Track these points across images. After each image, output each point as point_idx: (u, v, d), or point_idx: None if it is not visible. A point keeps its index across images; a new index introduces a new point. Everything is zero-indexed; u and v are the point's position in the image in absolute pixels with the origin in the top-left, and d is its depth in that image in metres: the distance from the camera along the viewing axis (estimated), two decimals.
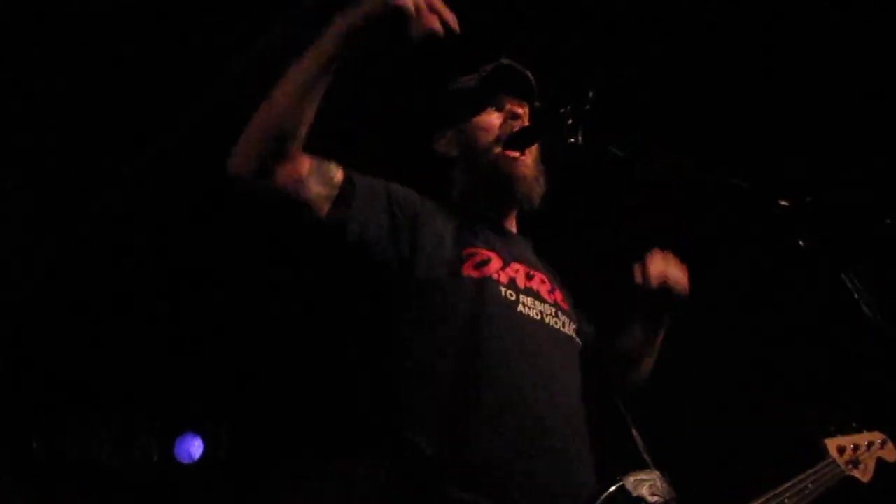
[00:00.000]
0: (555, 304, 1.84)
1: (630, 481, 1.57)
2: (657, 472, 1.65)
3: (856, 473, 2.34)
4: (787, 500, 2.06)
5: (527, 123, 1.89)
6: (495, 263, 1.77)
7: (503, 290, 1.73)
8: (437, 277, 1.69)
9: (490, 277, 1.72)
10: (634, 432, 1.85)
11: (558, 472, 1.57)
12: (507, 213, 1.96)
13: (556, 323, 1.80)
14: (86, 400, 4.69)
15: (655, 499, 1.61)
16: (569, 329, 1.83)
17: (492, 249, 1.80)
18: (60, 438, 4.65)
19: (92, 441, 4.74)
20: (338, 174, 1.65)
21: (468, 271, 1.72)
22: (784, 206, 1.53)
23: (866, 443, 2.42)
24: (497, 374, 1.60)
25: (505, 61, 1.95)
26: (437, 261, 1.71)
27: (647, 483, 1.60)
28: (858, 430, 2.44)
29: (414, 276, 1.68)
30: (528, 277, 1.83)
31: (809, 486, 2.17)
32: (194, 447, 4.86)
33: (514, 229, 1.98)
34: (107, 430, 4.78)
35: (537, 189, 1.90)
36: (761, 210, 1.54)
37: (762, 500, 2.05)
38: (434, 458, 1.51)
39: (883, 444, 2.45)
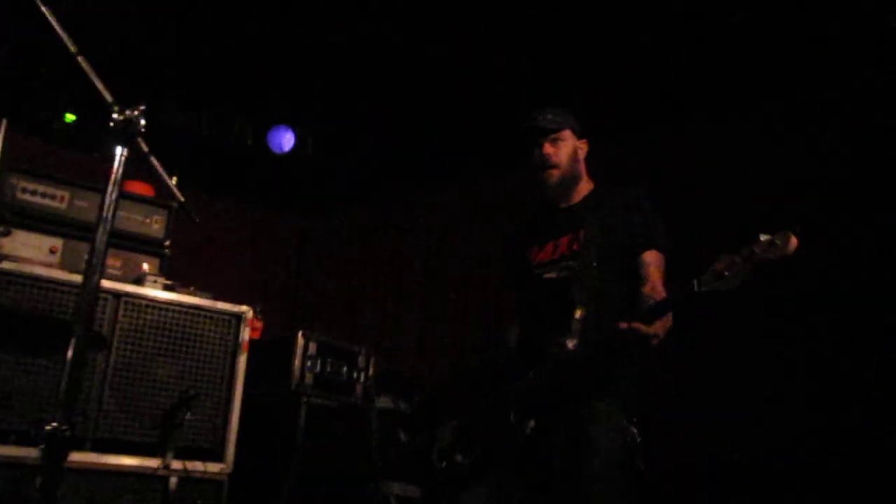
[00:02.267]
0: (556, 259, 2.82)
1: None
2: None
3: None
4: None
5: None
6: (536, 252, 2.87)
7: (535, 270, 2.84)
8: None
9: (533, 264, 2.86)
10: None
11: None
12: (559, 203, 2.91)
13: (549, 274, 2.80)
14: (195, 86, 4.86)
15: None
16: (560, 272, 2.78)
17: (539, 242, 2.89)
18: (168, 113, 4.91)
19: (196, 119, 5.03)
20: None
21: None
22: None
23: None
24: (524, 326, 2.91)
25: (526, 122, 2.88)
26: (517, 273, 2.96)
27: None
28: None
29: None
30: (555, 248, 2.85)
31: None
32: (286, 139, 5.19)
33: (572, 202, 2.90)
34: (209, 110, 5.05)
35: (563, 188, 2.87)
36: None
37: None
38: None
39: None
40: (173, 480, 3.25)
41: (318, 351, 4.64)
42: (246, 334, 3.54)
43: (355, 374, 4.75)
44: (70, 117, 4.95)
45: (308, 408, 4.41)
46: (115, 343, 3.26)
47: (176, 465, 3.25)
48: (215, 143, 5.12)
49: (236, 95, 5.05)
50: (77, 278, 3.14)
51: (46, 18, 1.34)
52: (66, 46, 1.37)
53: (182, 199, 1.88)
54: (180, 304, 3.42)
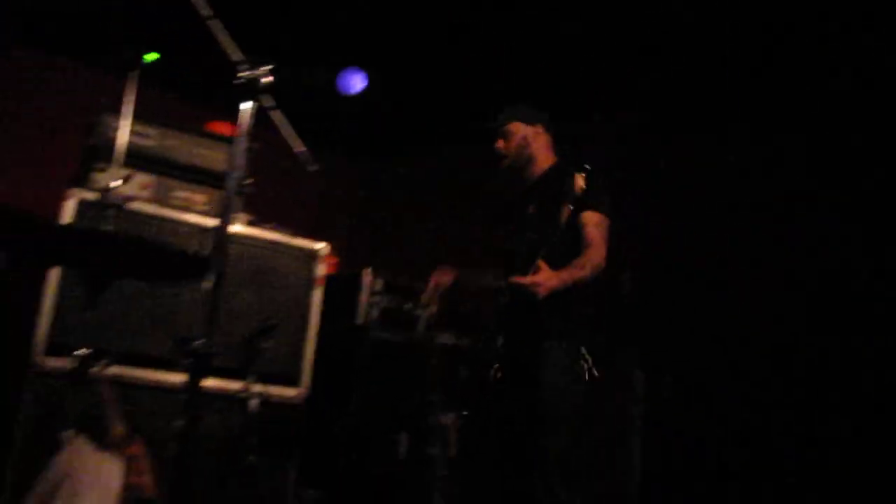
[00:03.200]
0: (517, 231, 3.34)
1: None
2: None
3: None
4: None
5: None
6: (507, 227, 3.44)
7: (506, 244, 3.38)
8: None
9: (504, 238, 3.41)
10: None
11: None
12: (521, 183, 3.46)
13: (512, 245, 3.33)
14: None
15: None
16: (520, 244, 3.24)
17: (508, 218, 3.46)
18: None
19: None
20: None
21: None
22: None
23: None
24: None
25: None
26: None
27: None
28: None
29: None
30: (519, 221, 3.36)
31: None
32: (357, 81, 5.32)
33: (531, 179, 3.43)
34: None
35: (516, 172, 3.43)
36: None
37: None
38: None
39: None
40: (254, 402, 3.49)
41: (384, 288, 4.84)
42: (321, 270, 3.74)
43: (418, 311, 4.93)
44: (152, 56, 5.13)
45: (372, 342, 4.63)
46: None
47: (256, 388, 3.50)
48: (287, 86, 5.26)
49: (306, 38, 5.17)
50: (169, 212, 3.40)
51: None
52: (198, 10, 1.52)
53: (304, 148, 2.03)
54: (261, 240, 3.63)
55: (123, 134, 3.33)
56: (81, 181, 3.41)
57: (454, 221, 5.87)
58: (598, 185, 3.09)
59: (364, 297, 4.72)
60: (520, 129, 3.44)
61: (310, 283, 3.73)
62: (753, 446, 3.95)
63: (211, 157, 3.73)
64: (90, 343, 3.16)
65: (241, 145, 1.67)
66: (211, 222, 3.54)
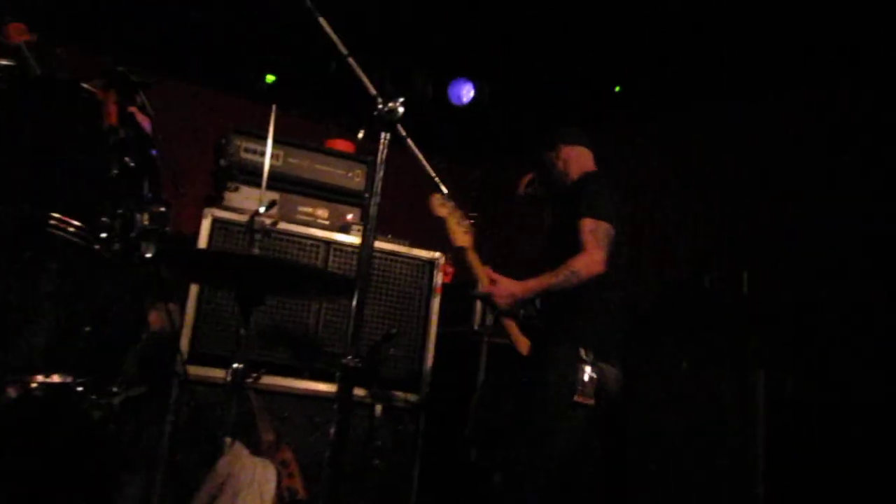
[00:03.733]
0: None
1: None
2: None
3: None
4: None
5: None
6: None
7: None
8: None
9: None
10: None
11: None
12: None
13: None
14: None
15: None
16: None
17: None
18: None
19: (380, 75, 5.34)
20: None
21: None
22: None
23: None
24: None
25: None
26: None
27: None
28: None
29: None
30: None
31: None
32: (466, 91, 5.43)
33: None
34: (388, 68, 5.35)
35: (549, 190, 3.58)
36: None
37: None
38: None
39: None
40: (378, 407, 3.64)
41: None
42: (439, 278, 3.85)
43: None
44: (270, 78, 5.40)
45: (488, 348, 4.70)
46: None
47: (380, 394, 3.64)
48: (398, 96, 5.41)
49: (416, 50, 5.31)
50: (296, 228, 3.60)
51: (320, 25, 1.61)
52: (337, 49, 1.63)
53: (438, 181, 2.12)
54: (381, 251, 3.77)
55: (265, 157, 3.52)
56: (215, 200, 3.64)
57: None
58: (594, 191, 3.26)
59: (479, 302, 4.80)
60: (547, 157, 3.55)
61: (429, 291, 3.84)
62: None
63: (331, 173, 3.90)
64: (227, 352, 3.41)
65: (380, 171, 1.77)
66: (334, 236, 3.71)
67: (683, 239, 4.59)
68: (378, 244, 3.78)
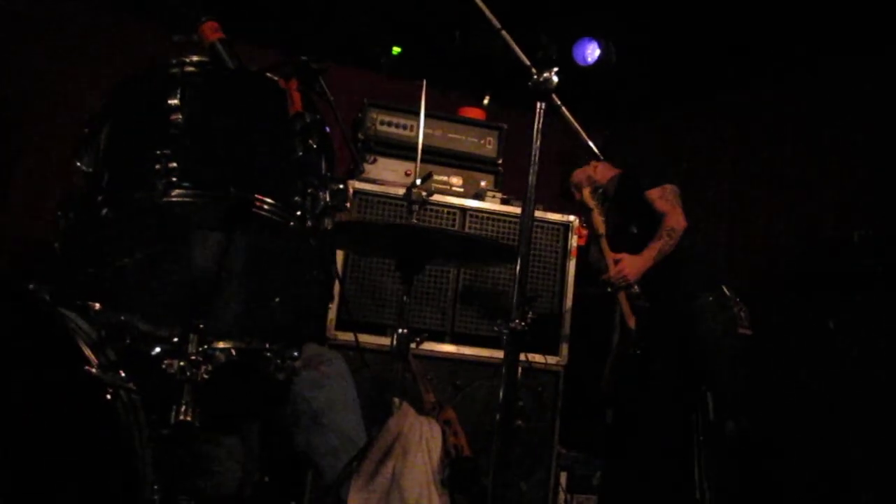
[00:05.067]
0: None
1: None
2: None
3: None
4: None
5: None
6: None
7: None
8: None
9: None
10: None
11: None
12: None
13: None
14: None
15: None
16: None
17: None
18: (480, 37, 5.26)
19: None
20: None
21: None
22: None
23: None
24: None
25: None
26: None
27: None
28: None
29: None
30: None
31: None
32: (591, 51, 5.35)
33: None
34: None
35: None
36: None
37: None
38: None
39: None
40: (519, 370, 3.71)
41: None
42: (574, 241, 3.87)
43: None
44: (396, 50, 5.49)
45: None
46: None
47: (520, 357, 3.69)
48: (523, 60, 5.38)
49: (541, 12, 5.26)
50: (435, 197, 3.70)
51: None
52: (490, 23, 1.68)
53: (595, 148, 2.15)
54: (516, 216, 3.81)
55: (399, 129, 3.66)
56: (353, 173, 3.77)
57: (697, 181, 5.73)
58: (638, 170, 3.83)
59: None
60: (580, 175, 3.89)
61: (564, 254, 3.87)
62: None
63: (465, 141, 3.96)
64: (371, 320, 3.55)
65: (537, 141, 1.80)
66: (469, 203, 3.78)
67: (830, 194, 4.39)
68: (512, 209, 3.82)
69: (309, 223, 1.52)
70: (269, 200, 1.46)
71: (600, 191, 3.94)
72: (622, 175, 3.96)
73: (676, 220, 3.63)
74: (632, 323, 3.76)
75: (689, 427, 3.95)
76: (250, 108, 1.54)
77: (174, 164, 1.40)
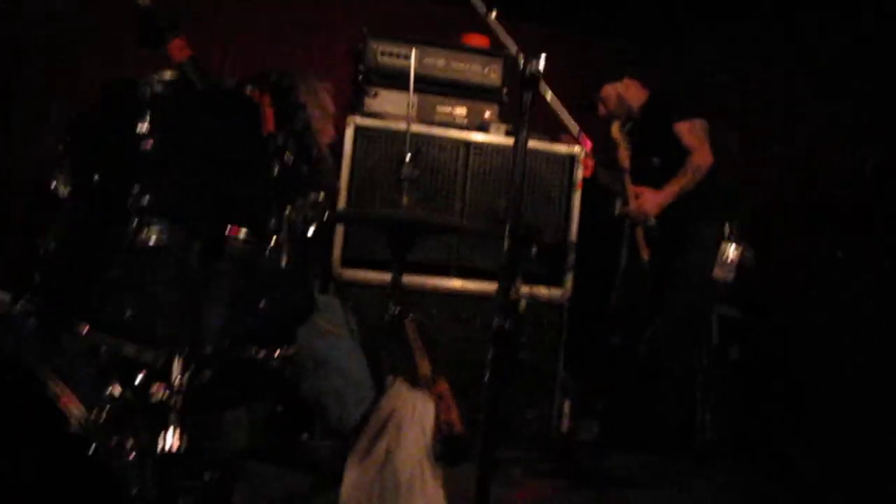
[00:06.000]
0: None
1: None
2: None
3: None
4: None
5: None
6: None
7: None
8: None
9: None
10: None
11: None
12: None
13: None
14: None
15: None
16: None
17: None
18: None
19: None
20: None
21: None
22: None
23: None
24: None
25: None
26: None
27: None
28: None
29: None
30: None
31: None
32: None
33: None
34: None
35: (619, 117, 4.00)
36: None
37: None
38: None
39: None
40: (522, 303, 3.74)
41: None
42: (579, 173, 3.82)
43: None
44: None
45: (630, 231, 4.66)
46: (467, 185, 3.72)
47: (524, 290, 3.72)
48: None
49: None
50: (436, 130, 3.65)
51: None
52: (476, 8, 1.61)
53: (576, 128, 2.09)
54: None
55: (402, 59, 3.72)
56: (355, 107, 3.71)
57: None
58: (671, 100, 3.80)
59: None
60: (611, 91, 3.95)
61: (569, 186, 3.83)
62: None
63: (468, 70, 3.87)
64: (376, 255, 3.56)
65: (523, 132, 1.75)
66: (472, 136, 3.72)
67: (841, 124, 4.27)
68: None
69: (285, 255, 1.48)
70: (242, 234, 1.43)
71: (628, 126, 3.93)
72: (651, 97, 3.91)
73: (703, 158, 3.60)
74: (646, 255, 3.82)
75: (693, 354, 4.03)
76: (223, 129, 1.48)
77: (147, 198, 1.37)
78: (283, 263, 1.48)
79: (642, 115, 3.91)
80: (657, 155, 3.78)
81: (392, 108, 3.75)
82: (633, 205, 3.74)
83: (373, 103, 3.70)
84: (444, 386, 1.94)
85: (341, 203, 3.55)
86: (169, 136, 1.41)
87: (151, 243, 1.38)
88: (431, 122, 3.77)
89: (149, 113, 1.39)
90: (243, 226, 1.44)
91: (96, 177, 1.45)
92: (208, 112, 1.47)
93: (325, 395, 2.69)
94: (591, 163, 3.85)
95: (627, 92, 3.93)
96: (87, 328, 1.42)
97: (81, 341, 1.43)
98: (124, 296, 1.41)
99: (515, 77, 3.89)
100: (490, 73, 3.88)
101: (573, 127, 2.00)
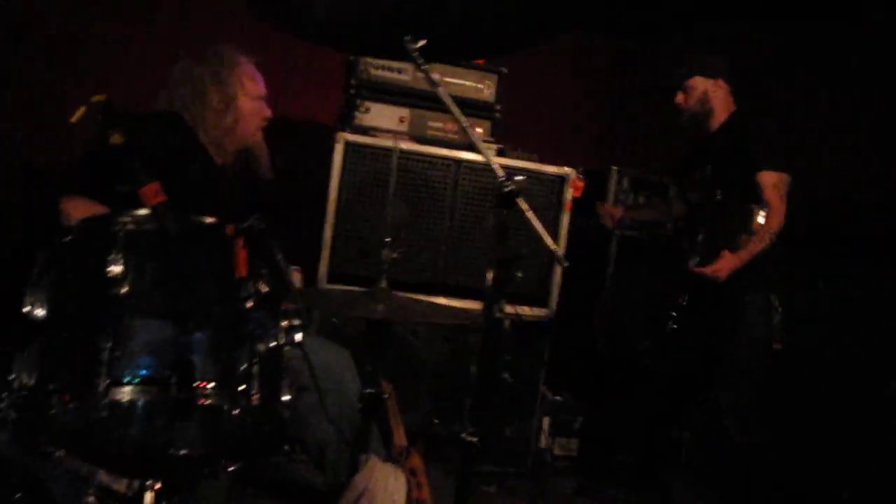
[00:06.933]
0: (694, 186, 3.79)
1: None
2: None
3: None
4: None
5: None
6: (688, 178, 3.88)
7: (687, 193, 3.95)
8: None
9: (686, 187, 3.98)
10: None
11: None
12: (697, 136, 3.79)
13: (691, 197, 3.89)
14: None
15: None
16: (695, 198, 3.83)
17: (689, 170, 3.85)
18: None
19: None
20: None
21: None
22: None
23: None
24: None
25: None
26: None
27: None
28: None
29: None
30: (697, 175, 3.78)
31: None
32: None
33: (707, 135, 3.71)
34: None
35: (693, 125, 3.72)
36: None
37: None
38: None
39: None
40: (506, 323, 3.76)
41: (631, 185, 4.81)
42: (569, 194, 3.80)
43: None
44: None
45: (619, 240, 4.67)
46: (455, 205, 3.71)
47: (509, 309, 3.72)
48: None
49: None
50: (426, 149, 3.67)
51: None
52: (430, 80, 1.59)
53: (556, 247, 2.05)
54: (509, 167, 3.71)
55: (395, 73, 3.70)
56: (346, 121, 3.68)
57: None
58: (765, 136, 3.41)
59: (610, 195, 4.74)
60: (699, 84, 3.56)
61: (558, 207, 3.82)
62: None
63: (461, 85, 3.82)
64: (364, 272, 3.55)
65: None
66: (463, 155, 3.70)
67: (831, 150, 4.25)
68: (506, 161, 3.73)
69: (255, 395, 1.47)
70: (209, 390, 1.43)
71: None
72: (735, 116, 3.57)
73: (780, 221, 3.31)
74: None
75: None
76: (195, 270, 1.46)
77: (118, 355, 1.36)
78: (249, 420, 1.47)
79: (720, 132, 3.58)
80: (723, 188, 3.48)
81: (383, 122, 3.72)
82: (709, 268, 3.38)
83: (364, 118, 3.67)
84: (416, 461, 1.96)
85: (329, 218, 3.55)
86: (140, 282, 1.40)
87: (124, 400, 1.38)
88: (423, 138, 3.74)
89: (122, 256, 1.37)
90: (211, 381, 1.43)
91: (71, 308, 1.44)
92: (182, 252, 1.45)
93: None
94: (580, 184, 3.84)
95: (716, 94, 3.56)
96: (62, 453, 1.42)
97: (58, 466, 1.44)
98: (100, 434, 1.40)
99: (509, 95, 3.93)
100: (483, 89, 3.84)
101: (554, 247, 1.99)
